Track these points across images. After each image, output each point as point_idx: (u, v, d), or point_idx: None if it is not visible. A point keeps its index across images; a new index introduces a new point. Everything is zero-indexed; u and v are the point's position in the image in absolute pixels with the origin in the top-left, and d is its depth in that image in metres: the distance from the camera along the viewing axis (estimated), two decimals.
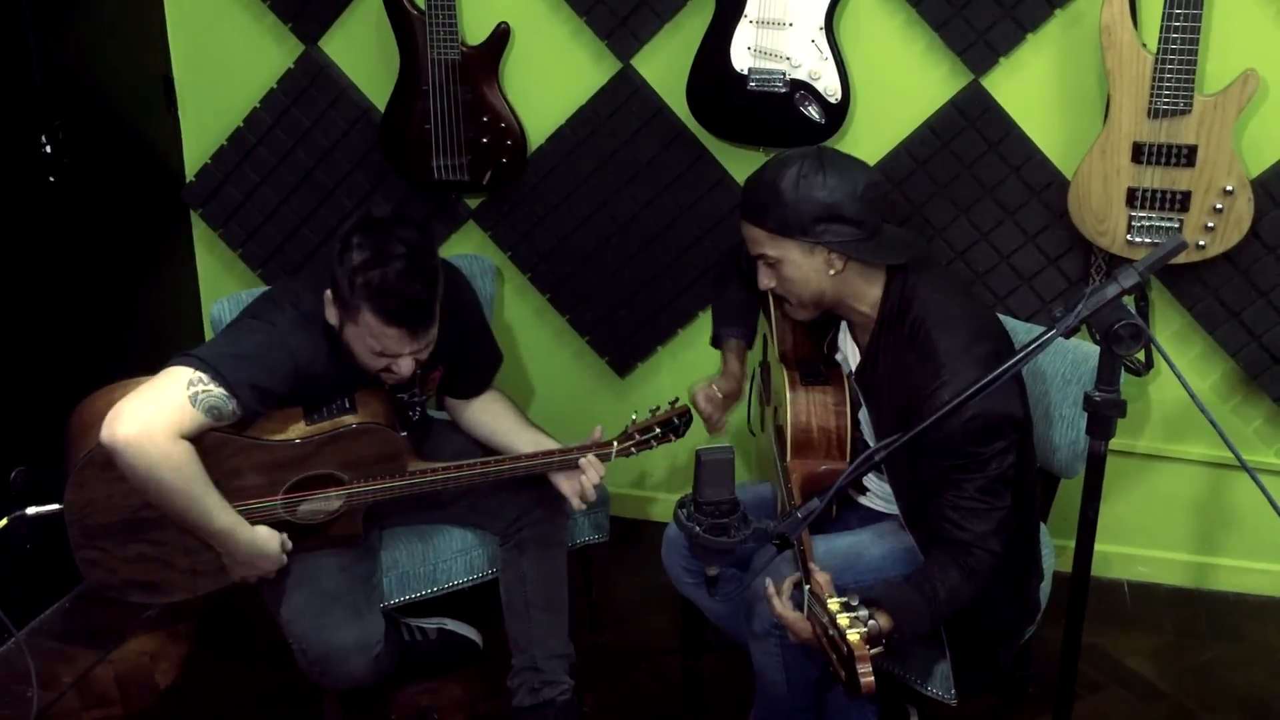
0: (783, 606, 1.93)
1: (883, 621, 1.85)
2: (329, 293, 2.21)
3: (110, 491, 2.17)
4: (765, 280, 2.13)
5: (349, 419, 2.26)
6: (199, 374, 2.10)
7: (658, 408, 2.50)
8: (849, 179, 2.04)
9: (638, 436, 2.47)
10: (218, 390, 2.10)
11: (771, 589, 1.95)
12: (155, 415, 2.05)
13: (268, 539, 2.24)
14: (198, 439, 2.12)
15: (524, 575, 2.48)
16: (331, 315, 2.22)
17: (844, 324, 2.23)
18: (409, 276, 2.12)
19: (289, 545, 2.28)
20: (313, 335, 2.23)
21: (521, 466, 2.40)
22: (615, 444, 2.45)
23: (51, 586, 2.95)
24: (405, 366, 2.22)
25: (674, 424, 2.49)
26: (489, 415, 2.58)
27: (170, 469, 2.06)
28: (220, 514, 2.15)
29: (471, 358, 2.56)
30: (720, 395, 2.44)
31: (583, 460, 2.40)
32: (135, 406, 2.06)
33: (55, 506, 2.20)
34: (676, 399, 2.51)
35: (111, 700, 2.67)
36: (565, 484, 2.44)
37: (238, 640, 2.87)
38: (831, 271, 2.07)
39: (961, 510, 1.98)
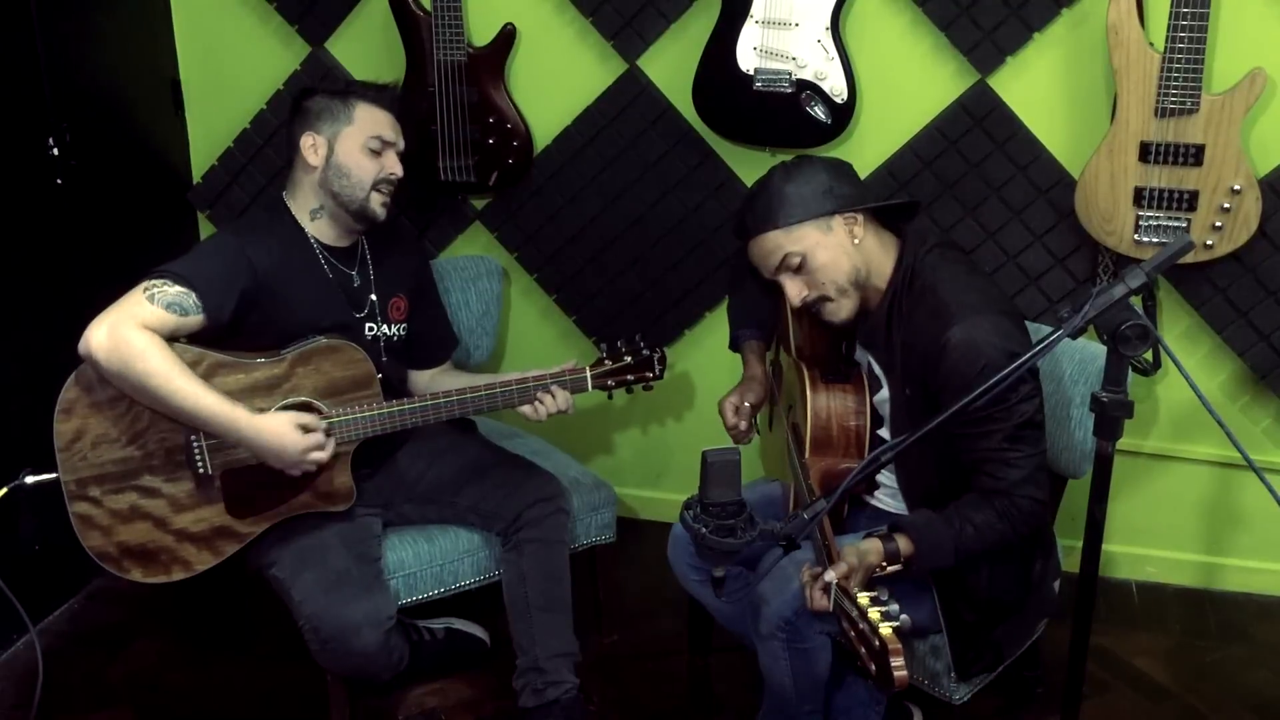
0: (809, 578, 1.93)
1: (903, 545, 1.93)
2: (305, 140, 2.40)
3: (96, 420, 2.25)
4: (797, 291, 2.12)
5: (320, 339, 2.37)
6: (153, 280, 2.25)
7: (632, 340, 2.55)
8: (830, 162, 2.14)
9: (609, 365, 2.50)
10: (174, 288, 2.24)
11: (807, 574, 1.94)
12: (116, 316, 2.19)
13: (278, 424, 2.26)
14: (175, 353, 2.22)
15: (524, 575, 2.48)
16: (315, 157, 2.40)
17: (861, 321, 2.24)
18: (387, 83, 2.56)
19: (319, 430, 2.30)
20: (265, 230, 2.41)
21: (498, 393, 2.45)
22: (589, 370, 2.49)
23: (59, 588, 2.96)
24: (397, 165, 2.45)
25: (644, 354, 2.51)
26: (451, 381, 2.63)
27: (137, 351, 2.16)
28: (206, 394, 2.21)
29: (429, 315, 2.67)
30: (750, 406, 2.44)
31: (553, 388, 2.48)
32: (100, 317, 2.20)
33: (53, 475, 2.27)
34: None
35: (119, 700, 2.68)
36: (526, 406, 2.48)
37: (245, 641, 2.88)
38: (855, 241, 2.09)
39: (994, 462, 1.99)
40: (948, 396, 1.93)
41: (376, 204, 2.42)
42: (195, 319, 2.25)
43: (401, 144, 2.47)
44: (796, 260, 2.08)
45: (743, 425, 2.43)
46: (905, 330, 2.08)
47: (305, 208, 2.44)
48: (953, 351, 1.96)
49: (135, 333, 2.17)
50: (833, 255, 2.08)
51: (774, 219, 2.08)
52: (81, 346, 2.18)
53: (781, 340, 2.47)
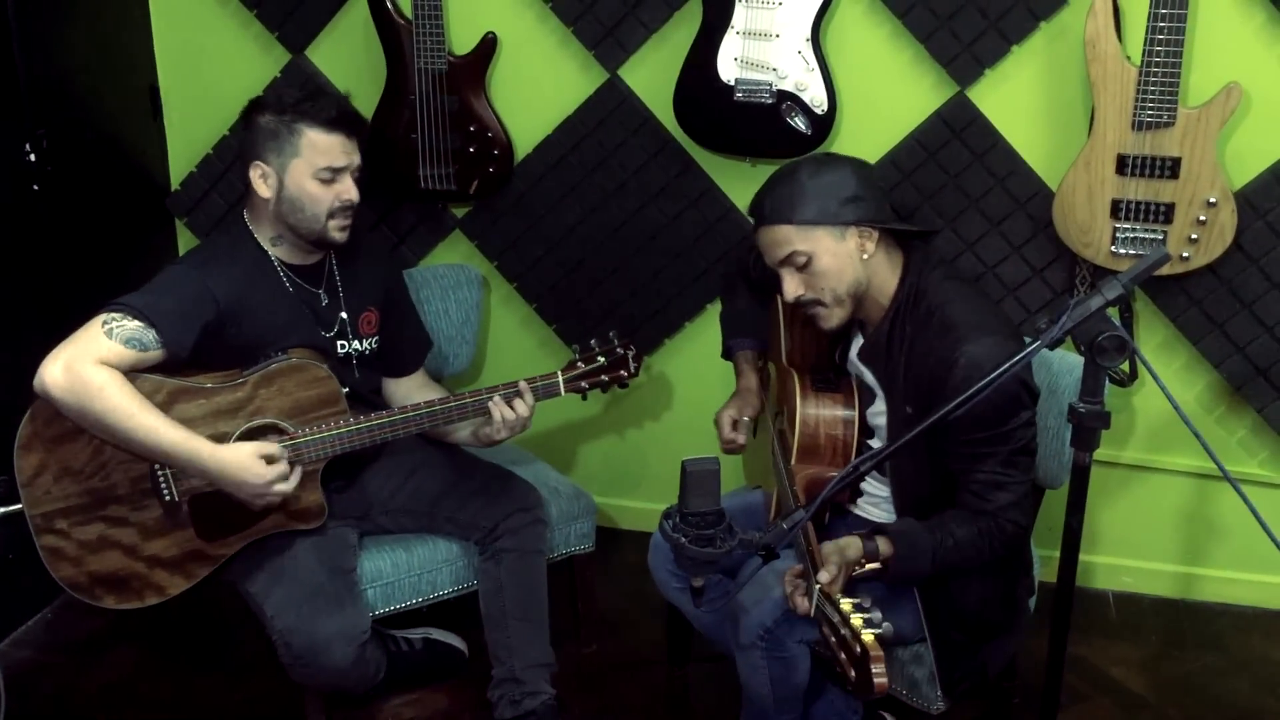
0: (790, 584, 1.94)
1: (883, 546, 1.96)
2: (254, 170, 2.34)
3: (57, 454, 2.22)
4: (794, 288, 2.11)
5: (283, 358, 2.33)
6: (112, 314, 2.21)
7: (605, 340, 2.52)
8: (859, 166, 2.12)
9: (582, 367, 2.48)
10: (132, 322, 2.20)
11: (789, 577, 1.95)
12: (73, 350, 2.16)
13: (240, 456, 2.21)
14: (133, 383, 2.19)
15: (501, 585, 2.48)
16: (265, 188, 2.34)
17: (856, 333, 2.24)
18: (333, 97, 2.50)
19: (283, 460, 2.26)
20: (227, 259, 2.36)
21: (468, 404, 2.42)
22: (560, 374, 2.47)
23: (34, 596, 2.94)
24: (351, 189, 2.36)
25: (617, 353, 2.49)
26: (427, 395, 2.59)
27: (95, 389, 2.13)
28: (168, 428, 2.17)
29: (401, 323, 2.63)
30: (748, 420, 2.43)
31: (514, 400, 2.42)
32: (55, 352, 2.17)
33: (18, 506, 2.24)
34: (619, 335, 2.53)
35: (94, 711, 2.65)
36: (494, 409, 2.44)
37: (221, 652, 2.86)
38: (865, 256, 2.08)
39: (983, 484, 2.00)
40: (949, 420, 1.93)
41: (334, 231, 2.37)
42: (155, 354, 2.22)
43: (355, 161, 2.38)
44: (802, 259, 2.08)
45: (740, 439, 2.42)
46: (909, 348, 2.08)
47: (265, 235, 2.40)
48: (961, 371, 1.96)
49: (93, 369, 2.13)
50: (838, 264, 2.08)
51: (792, 214, 2.07)
52: (36, 383, 2.14)
53: (772, 347, 2.47)
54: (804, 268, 2.09)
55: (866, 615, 1.66)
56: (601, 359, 2.49)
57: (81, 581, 2.27)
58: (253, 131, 2.35)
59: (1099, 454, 1.72)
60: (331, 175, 2.33)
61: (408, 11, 2.87)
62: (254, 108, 2.38)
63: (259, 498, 2.25)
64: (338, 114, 2.35)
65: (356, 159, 2.39)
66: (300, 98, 2.37)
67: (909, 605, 2.12)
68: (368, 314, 2.52)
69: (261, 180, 2.34)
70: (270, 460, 2.23)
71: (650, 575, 2.49)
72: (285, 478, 2.26)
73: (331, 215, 2.35)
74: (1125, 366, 2.87)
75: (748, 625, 2.10)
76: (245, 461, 2.21)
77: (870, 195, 2.08)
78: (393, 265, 2.70)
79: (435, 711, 2.66)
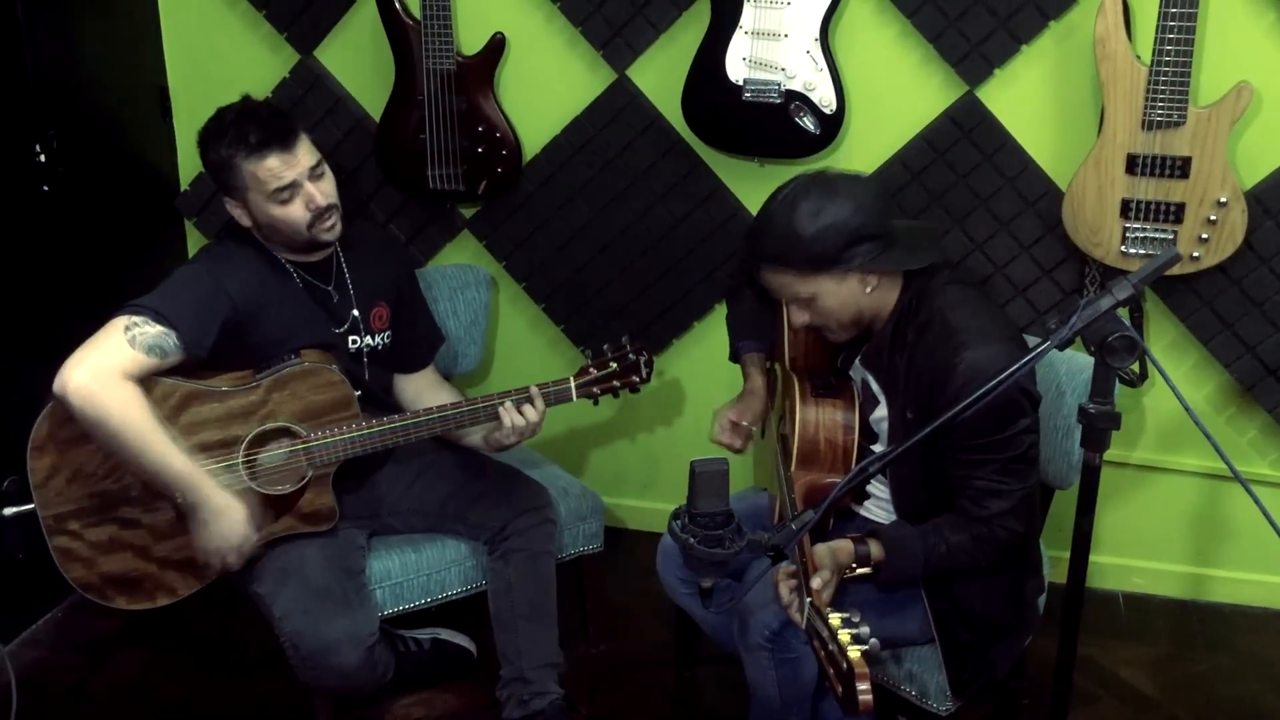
0: (785, 586, 1.94)
1: (874, 550, 1.97)
2: (228, 205, 2.36)
3: (71, 456, 2.22)
4: (800, 318, 2.12)
5: (295, 362, 2.34)
6: (134, 318, 2.20)
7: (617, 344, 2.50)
8: (859, 196, 2.03)
9: (594, 373, 2.47)
10: (155, 328, 2.20)
11: (782, 576, 1.95)
12: (97, 359, 2.15)
13: (232, 502, 2.23)
14: (148, 388, 2.19)
15: (510, 585, 2.48)
16: (244, 218, 2.36)
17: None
18: (249, 111, 2.34)
19: (258, 528, 2.28)
20: (240, 259, 2.36)
21: (479, 408, 2.41)
22: (572, 380, 2.46)
23: (44, 597, 2.94)
24: (314, 192, 2.32)
25: (630, 360, 2.48)
26: (438, 395, 2.60)
27: (116, 407, 2.13)
28: (177, 457, 2.18)
29: (412, 317, 2.62)
30: (746, 424, 2.42)
31: (524, 406, 2.42)
32: (78, 357, 2.16)
33: (30, 506, 2.24)
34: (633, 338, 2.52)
35: (102, 712, 2.66)
36: (497, 433, 2.44)
37: (230, 652, 2.86)
38: (867, 290, 2.08)
39: (979, 491, 2.00)
40: (948, 425, 1.93)
41: (323, 233, 2.36)
42: (174, 358, 2.23)
43: (304, 165, 2.30)
44: (806, 298, 2.08)
45: (737, 444, 2.41)
46: (911, 353, 2.08)
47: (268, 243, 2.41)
48: (961, 376, 1.95)
49: (117, 384, 2.14)
50: (840, 302, 2.08)
51: (790, 263, 2.04)
52: (57, 386, 2.13)
53: (776, 350, 2.47)
54: (808, 304, 2.10)
55: (854, 631, 1.66)
56: (614, 364, 2.48)
57: (93, 582, 2.28)
58: (211, 168, 2.36)
59: (1109, 454, 1.72)
60: (289, 192, 2.31)
61: (416, 12, 2.88)
62: (201, 145, 2.36)
63: (217, 551, 2.25)
64: (258, 139, 2.28)
65: (305, 162, 2.32)
66: (225, 127, 2.31)
67: (916, 606, 2.11)
68: (379, 309, 2.53)
69: (239, 212, 2.36)
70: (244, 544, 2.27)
71: (659, 578, 2.49)
72: (250, 544, 2.28)
73: (311, 224, 2.34)
74: (1135, 367, 2.86)
75: (754, 627, 2.10)
76: (241, 512, 2.23)
77: (874, 228, 2.03)
78: (403, 259, 2.70)
79: (443, 711, 2.66)
